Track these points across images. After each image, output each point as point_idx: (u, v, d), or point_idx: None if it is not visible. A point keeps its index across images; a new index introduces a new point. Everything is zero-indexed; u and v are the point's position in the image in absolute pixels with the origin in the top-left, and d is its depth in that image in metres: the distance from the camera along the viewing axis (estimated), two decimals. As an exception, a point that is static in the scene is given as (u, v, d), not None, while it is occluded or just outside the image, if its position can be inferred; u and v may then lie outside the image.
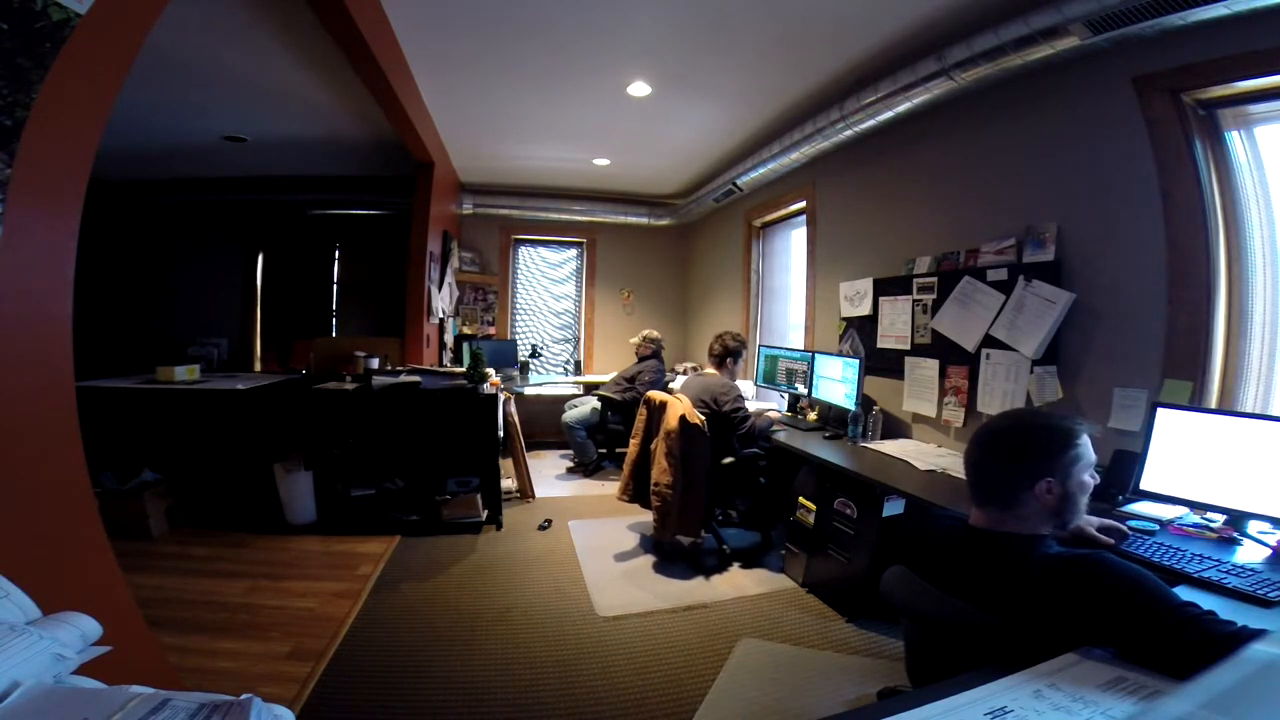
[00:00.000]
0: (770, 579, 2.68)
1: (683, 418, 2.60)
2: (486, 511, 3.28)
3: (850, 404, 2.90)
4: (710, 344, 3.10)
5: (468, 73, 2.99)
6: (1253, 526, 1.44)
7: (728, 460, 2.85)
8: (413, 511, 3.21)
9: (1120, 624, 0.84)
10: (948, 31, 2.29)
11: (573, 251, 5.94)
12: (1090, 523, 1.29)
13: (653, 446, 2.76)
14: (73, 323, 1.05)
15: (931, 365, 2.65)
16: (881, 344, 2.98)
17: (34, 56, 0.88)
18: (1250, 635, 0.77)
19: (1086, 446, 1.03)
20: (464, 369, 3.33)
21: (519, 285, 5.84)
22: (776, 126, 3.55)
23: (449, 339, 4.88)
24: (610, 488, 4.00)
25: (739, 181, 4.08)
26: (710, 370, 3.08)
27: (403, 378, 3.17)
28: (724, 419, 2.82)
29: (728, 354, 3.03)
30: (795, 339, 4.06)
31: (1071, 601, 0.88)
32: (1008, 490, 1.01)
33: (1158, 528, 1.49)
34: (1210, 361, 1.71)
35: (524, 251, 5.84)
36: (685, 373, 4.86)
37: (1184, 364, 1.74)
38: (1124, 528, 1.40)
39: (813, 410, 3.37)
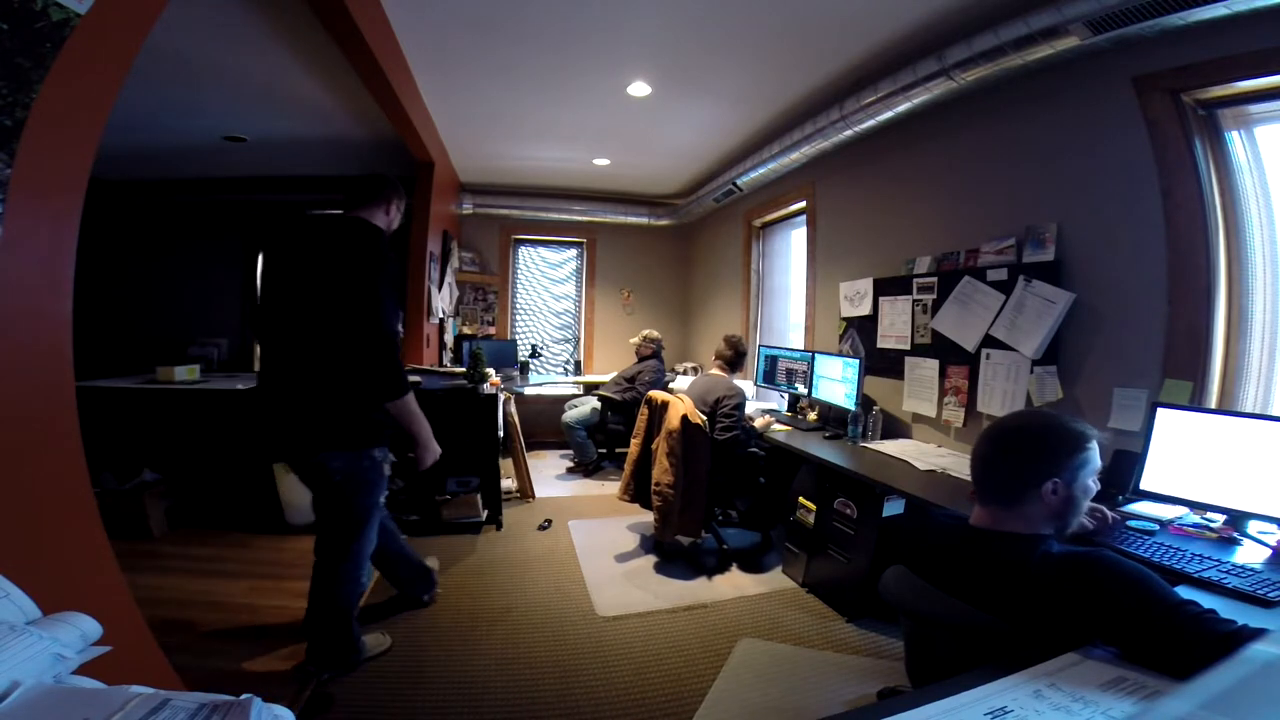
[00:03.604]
0: (770, 579, 2.68)
1: (684, 417, 2.60)
2: (486, 511, 3.28)
3: (850, 404, 2.90)
4: (719, 347, 3.12)
5: (468, 73, 2.99)
6: (1253, 526, 1.44)
7: (729, 460, 2.85)
8: (413, 511, 3.21)
9: (1120, 623, 0.84)
10: (948, 31, 2.29)
11: (573, 251, 5.94)
12: None
13: (654, 446, 2.76)
14: (73, 322, 1.05)
15: (931, 365, 2.65)
16: (881, 344, 2.98)
17: (34, 56, 0.88)
18: (1250, 635, 0.77)
19: (1095, 452, 1.03)
20: (464, 369, 3.33)
21: (519, 285, 5.84)
22: (776, 126, 3.55)
23: (449, 339, 4.87)
24: (610, 488, 4.01)
25: (739, 181, 4.08)
26: (716, 371, 3.09)
27: (403, 378, 3.16)
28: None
29: (737, 356, 3.07)
30: (795, 339, 4.06)
31: (1071, 600, 0.88)
32: (1013, 488, 1.02)
33: (1158, 528, 1.50)
34: (1210, 361, 1.71)
35: (524, 251, 5.84)
36: (685, 373, 4.87)
37: (1184, 364, 1.74)
38: (1107, 511, 1.41)
39: (813, 410, 3.37)
